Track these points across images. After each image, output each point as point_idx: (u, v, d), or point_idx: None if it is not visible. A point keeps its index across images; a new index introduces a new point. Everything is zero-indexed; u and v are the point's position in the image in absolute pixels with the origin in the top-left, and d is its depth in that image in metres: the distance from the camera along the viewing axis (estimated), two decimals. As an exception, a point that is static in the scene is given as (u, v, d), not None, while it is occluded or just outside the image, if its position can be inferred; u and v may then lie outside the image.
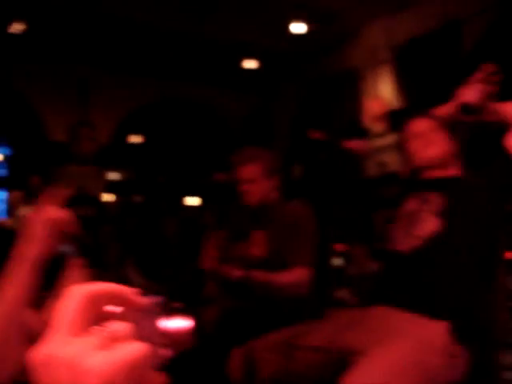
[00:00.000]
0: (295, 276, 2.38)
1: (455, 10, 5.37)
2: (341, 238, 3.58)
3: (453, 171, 2.07)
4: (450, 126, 2.09)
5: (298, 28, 5.75)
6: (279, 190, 2.57)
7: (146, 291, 0.51)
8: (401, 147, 2.21)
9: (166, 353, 0.49)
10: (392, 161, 4.81)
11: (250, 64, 6.76)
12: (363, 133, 5.29)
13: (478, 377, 1.83)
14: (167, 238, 5.37)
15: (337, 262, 3.80)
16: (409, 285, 1.91)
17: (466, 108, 1.94)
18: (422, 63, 5.64)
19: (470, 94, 1.94)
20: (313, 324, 2.01)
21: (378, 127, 5.68)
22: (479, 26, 5.26)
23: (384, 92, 6.03)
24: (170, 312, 0.51)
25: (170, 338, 0.50)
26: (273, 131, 7.63)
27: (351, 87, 6.34)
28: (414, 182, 2.15)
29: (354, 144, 2.31)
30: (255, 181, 2.48)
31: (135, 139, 8.64)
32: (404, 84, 5.84)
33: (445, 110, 2.13)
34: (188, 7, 5.55)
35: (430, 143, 2.06)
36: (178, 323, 0.52)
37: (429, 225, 1.93)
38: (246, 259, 2.17)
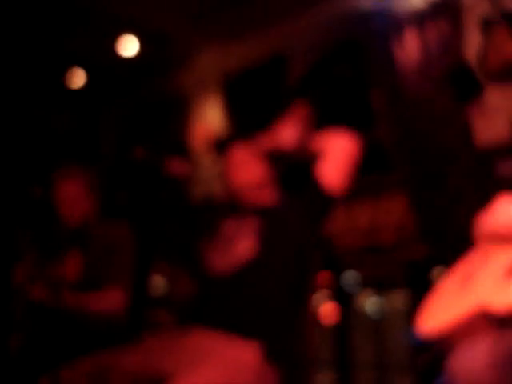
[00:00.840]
0: (109, 298, 2.33)
1: (282, 46, 5.67)
2: (162, 260, 3.58)
3: (268, 197, 2.18)
4: (267, 156, 2.21)
5: (129, 48, 5.71)
6: (98, 209, 2.53)
7: None
8: (221, 174, 2.29)
9: None
10: (215, 187, 4.90)
11: (77, 80, 6.56)
12: (188, 158, 5.35)
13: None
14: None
15: (157, 283, 3.78)
16: (223, 306, 1.95)
17: (279, 153, 2.11)
18: (250, 94, 5.86)
19: (284, 133, 2.10)
20: (127, 348, 1.96)
21: (203, 154, 5.77)
22: (302, 65, 5.60)
23: (212, 120, 6.14)
24: None
25: None
26: (97, 150, 7.43)
27: (180, 112, 6.39)
28: (231, 206, 2.23)
29: (177, 166, 2.34)
30: (73, 200, 2.42)
31: None
32: (232, 113, 6.02)
33: (263, 141, 2.25)
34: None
35: (246, 170, 2.16)
36: None
37: (243, 248, 2.00)
38: (59, 281, 2.08)
